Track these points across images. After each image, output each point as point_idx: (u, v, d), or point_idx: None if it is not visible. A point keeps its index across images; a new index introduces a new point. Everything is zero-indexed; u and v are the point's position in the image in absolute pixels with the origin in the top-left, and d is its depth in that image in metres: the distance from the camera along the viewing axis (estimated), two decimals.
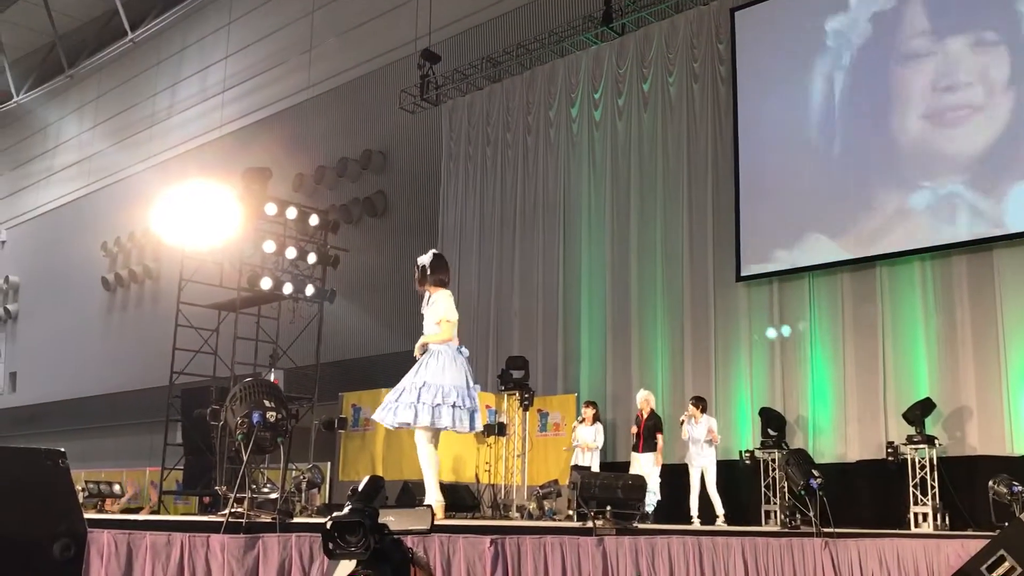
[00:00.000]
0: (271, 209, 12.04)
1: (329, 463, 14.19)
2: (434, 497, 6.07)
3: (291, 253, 12.35)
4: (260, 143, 20.87)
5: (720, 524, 10.45)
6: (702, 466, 11.27)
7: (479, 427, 6.48)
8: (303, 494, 9.56)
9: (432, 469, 6.20)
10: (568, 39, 15.84)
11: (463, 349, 6.40)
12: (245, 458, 4.09)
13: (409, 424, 6.14)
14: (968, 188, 11.45)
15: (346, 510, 1.66)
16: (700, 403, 11.59)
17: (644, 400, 11.66)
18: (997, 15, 11.53)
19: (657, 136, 14.67)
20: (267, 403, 4.15)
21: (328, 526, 1.61)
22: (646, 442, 11.32)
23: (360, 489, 1.73)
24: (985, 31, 11.59)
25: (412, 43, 18.48)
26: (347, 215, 18.77)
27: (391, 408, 6.18)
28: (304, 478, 9.64)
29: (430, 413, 6.05)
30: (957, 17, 11.83)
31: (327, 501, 12.56)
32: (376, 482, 1.81)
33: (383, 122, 19.08)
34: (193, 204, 10.95)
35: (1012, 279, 11.13)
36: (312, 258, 12.62)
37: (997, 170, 11.30)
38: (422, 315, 6.50)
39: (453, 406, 6.10)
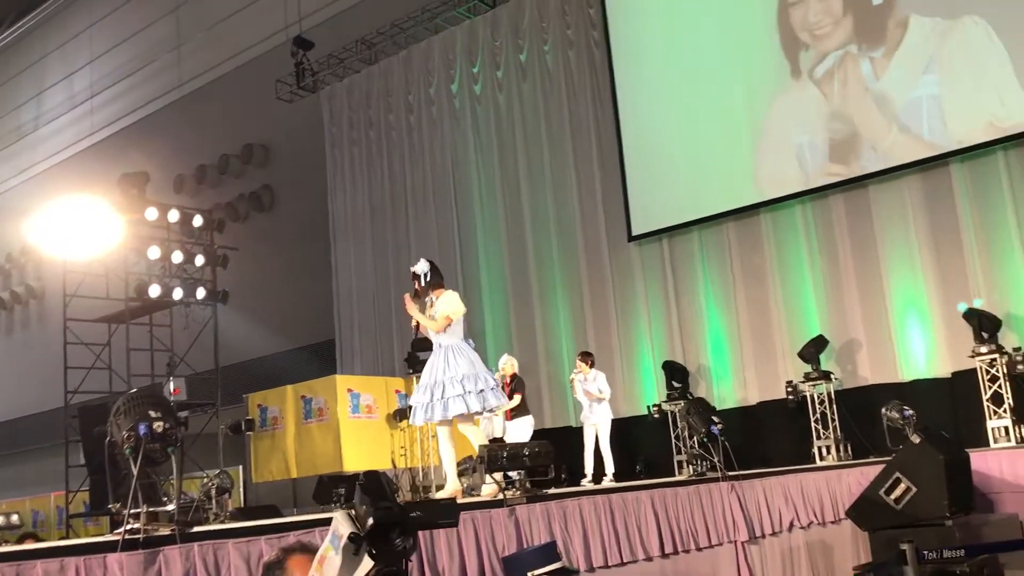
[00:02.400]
0: (152, 214, 11.73)
1: (241, 466, 13.95)
2: (452, 484, 6.83)
3: (177, 257, 12.06)
4: (136, 147, 20.21)
5: (608, 482, 10.17)
6: (595, 423, 10.85)
7: (493, 403, 6.82)
8: (214, 501, 9.37)
9: (450, 457, 6.88)
10: (441, 15, 15.73)
11: (469, 340, 7.00)
12: (135, 472, 3.99)
13: (439, 419, 6.70)
14: (839, 133, 11.81)
15: (365, 508, 1.57)
16: (588, 358, 11.09)
17: (509, 363, 10.78)
18: None
19: (539, 105, 14.73)
20: (152, 413, 4.05)
21: (369, 529, 1.55)
22: (514, 408, 10.42)
23: (370, 487, 1.62)
24: None
25: (283, 31, 18.11)
26: (233, 213, 18.38)
27: (423, 407, 6.73)
28: (213, 484, 9.45)
29: (443, 407, 6.62)
30: None
31: (242, 505, 12.36)
32: (378, 478, 1.72)
33: (261, 115, 18.67)
34: (70, 217, 10.59)
35: (888, 213, 11.54)
36: (200, 260, 12.33)
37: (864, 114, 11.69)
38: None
39: (464, 393, 6.60)
